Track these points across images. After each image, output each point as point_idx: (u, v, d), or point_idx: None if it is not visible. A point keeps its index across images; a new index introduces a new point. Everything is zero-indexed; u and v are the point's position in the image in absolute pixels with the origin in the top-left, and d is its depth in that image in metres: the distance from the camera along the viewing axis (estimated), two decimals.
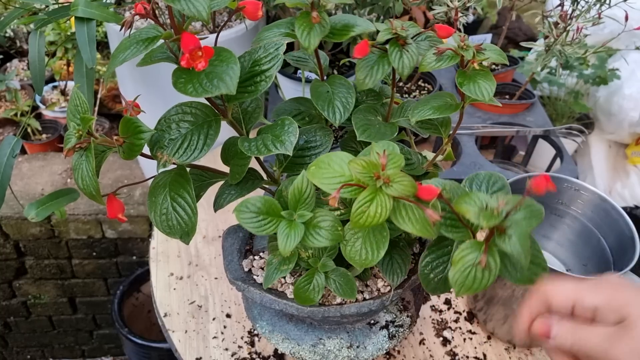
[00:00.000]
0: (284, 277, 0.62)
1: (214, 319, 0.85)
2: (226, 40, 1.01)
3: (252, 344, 0.81)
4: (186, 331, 0.83)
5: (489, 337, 0.82)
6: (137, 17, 0.44)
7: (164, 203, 0.52)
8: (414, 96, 1.09)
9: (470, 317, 0.85)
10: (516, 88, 1.14)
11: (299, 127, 0.53)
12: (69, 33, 1.46)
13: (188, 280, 0.91)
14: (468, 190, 0.51)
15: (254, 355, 0.79)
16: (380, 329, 0.66)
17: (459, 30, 0.88)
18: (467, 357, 0.80)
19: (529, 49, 1.08)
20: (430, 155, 0.61)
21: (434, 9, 0.91)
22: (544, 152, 1.13)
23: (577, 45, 0.91)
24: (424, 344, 0.81)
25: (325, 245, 0.50)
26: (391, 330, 0.66)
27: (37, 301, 1.63)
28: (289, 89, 1.02)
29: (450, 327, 0.83)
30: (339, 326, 0.65)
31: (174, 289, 0.90)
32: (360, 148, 0.60)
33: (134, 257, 1.54)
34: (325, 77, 0.61)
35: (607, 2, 0.93)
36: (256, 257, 0.65)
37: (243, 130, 0.56)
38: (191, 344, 0.81)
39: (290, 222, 0.51)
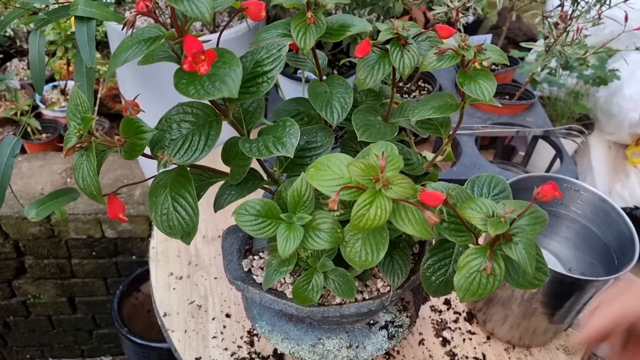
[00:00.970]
0: (284, 277, 0.62)
1: (213, 318, 0.85)
2: (227, 40, 1.01)
3: (251, 343, 0.81)
4: (186, 331, 0.83)
5: (488, 338, 0.83)
6: (137, 16, 0.44)
7: (164, 203, 0.51)
8: (414, 96, 1.09)
9: (470, 317, 0.85)
10: (516, 88, 1.14)
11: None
12: (69, 32, 1.45)
13: (188, 280, 0.91)
14: (469, 192, 0.51)
15: (254, 355, 0.79)
16: (379, 329, 0.66)
17: (459, 30, 0.88)
18: (467, 357, 0.80)
19: (529, 50, 1.08)
20: (430, 155, 0.61)
21: (434, 9, 0.91)
22: (544, 152, 1.13)
23: (577, 46, 0.91)
24: (423, 344, 0.81)
25: (324, 247, 0.50)
26: (391, 331, 0.66)
27: (37, 301, 1.63)
28: (289, 89, 1.02)
29: (449, 328, 0.84)
30: (338, 326, 0.65)
31: (174, 288, 0.90)
32: (360, 148, 0.60)
33: (134, 257, 1.53)
34: (324, 77, 0.61)
35: (607, 2, 0.93)
36: (256, 257, 0.65)
37: (244, 130, 0.56)
38: (191, 343, 0.81)
39: (290, 224, 0.51)
